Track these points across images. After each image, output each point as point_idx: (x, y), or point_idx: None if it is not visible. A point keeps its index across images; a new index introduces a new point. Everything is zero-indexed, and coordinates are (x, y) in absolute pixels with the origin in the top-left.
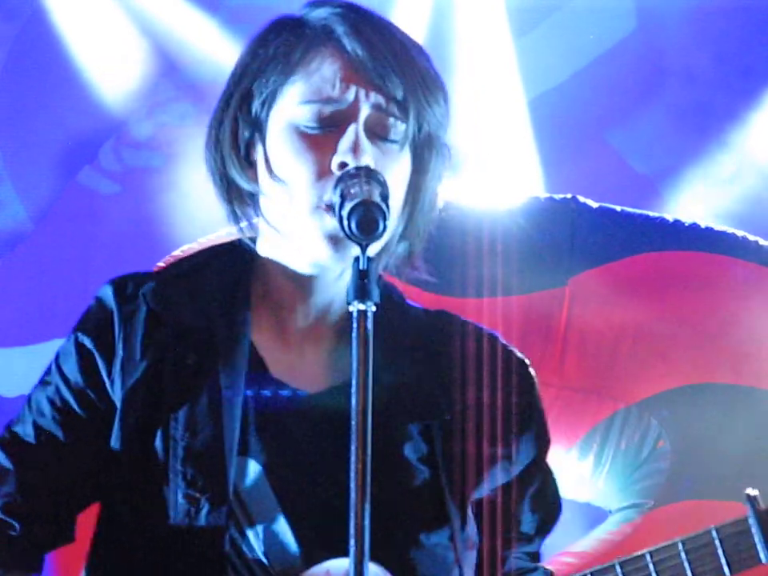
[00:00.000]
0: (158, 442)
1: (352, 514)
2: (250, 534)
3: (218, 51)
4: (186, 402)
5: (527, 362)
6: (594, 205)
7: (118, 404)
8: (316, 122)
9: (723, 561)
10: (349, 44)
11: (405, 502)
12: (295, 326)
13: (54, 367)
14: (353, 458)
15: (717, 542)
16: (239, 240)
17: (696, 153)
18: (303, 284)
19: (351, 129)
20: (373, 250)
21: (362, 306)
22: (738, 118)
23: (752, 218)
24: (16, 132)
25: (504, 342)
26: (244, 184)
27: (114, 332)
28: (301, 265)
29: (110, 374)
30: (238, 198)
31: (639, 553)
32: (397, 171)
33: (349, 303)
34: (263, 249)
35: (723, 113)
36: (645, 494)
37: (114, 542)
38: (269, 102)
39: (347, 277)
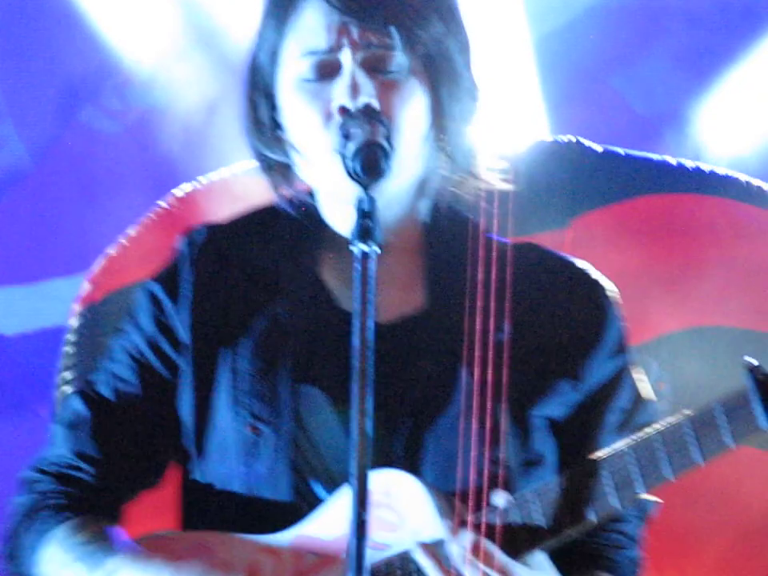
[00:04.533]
0: (224, 376)
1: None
2: (315, 460)
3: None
4: (249, 336)
5: (601, 282)
6: (598, 148)
7: (189, 344)
8: (314, 73)
9: (728, 433)
10: None
11: (462, 419)
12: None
13: (127, 316)
14: (354, 398)
15: (721, 414)
16: (281, 203)
17: (698, 95)
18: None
19: (346, 71)
20: (378, 190)
21: (365, 248)
22: (740, 59)
23: (755, 163)
24: (17, 69)
25: (579, 266)
26: (273, 155)
27: (181, 275)
28: (349, 209)
29: (178, 314)
30: (275, 168)
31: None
32: (406, 101)
33: (351, 243)
34: (319, 201)
35: (725, 55)
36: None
37: (194, 494)
38: (273, 65)
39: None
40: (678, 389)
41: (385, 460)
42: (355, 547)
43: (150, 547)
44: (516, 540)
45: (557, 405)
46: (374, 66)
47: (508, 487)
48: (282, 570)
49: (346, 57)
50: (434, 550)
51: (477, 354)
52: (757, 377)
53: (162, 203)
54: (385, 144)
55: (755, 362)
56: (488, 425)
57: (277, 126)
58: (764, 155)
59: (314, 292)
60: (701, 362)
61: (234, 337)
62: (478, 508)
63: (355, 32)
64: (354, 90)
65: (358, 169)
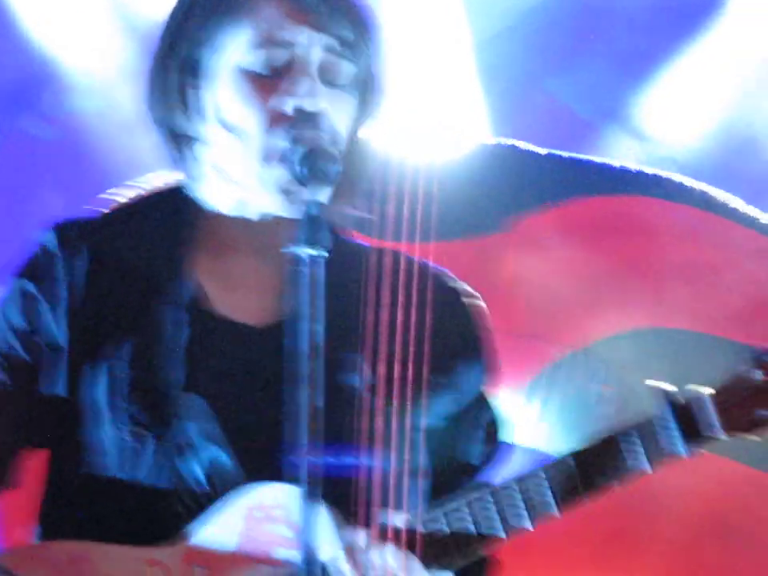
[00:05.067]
0: (101, 382)
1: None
2: (196, 466)
3: None
4: (128, 340)
5: (475, 295)
6: (539, 150)
7: (63, 345)
8: (267, 66)
9: (644, 458)
10: None
11: (346, 427)
12: (241, 265)
13: None
14: (303, 398)
15: (638, 440)
16: (181, 184)
17: (637, 96)
18: (250, 228)
19: (306, 72)
20: (324, 195)
21: (312, 252)
22: (675, 61)
23: (695, 165)
24: None
25: (450, 276)
26: (187, 129)
27: (58, 276)
28: (248, 211)
29: (55, 317)
30: (181, 142)
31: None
32: (344, 115)
33: (298, 248)
34: (207, 193)
35: (661, 57)
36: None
37: (62, 491)
38: (215, 47)
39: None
40: (623, 391)
41: (273, 473)
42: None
43: (21, 559)
44: (426, 555)
45: (435, 417)
46: (327, 72)
47: (390, 501)
48: None
49: (306, 57)
50: (356, 558)
51: (360, 362)
52: (674, 404)
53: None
54: (334, 152)
55: (667, 387)
56: (369, 435)
57: (185, 101)
58: (704, 155)
59: (191, 295)
60: (646, 363)
61: (112, 341)
62: (368, 521)
63: (322, 35)
64: (314, 93)
65: (306, 173)
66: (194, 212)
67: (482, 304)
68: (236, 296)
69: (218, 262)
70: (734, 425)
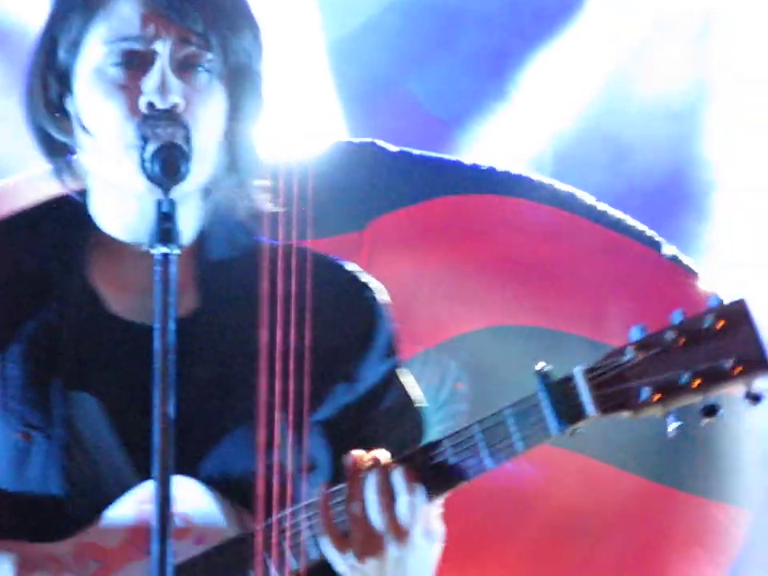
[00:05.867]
0: None
1: (155, 454)
2: (87, 466)
3: None
4: (19, 341)
5: (371, 285)
6: (393, 149)
7: None
8: (120, 62)
9: (517, 437)
10: None
11: (238, 424)
12: (132, 266)
13: None
14: (156, 401)
15: (510, 419)
16: (69, 193)
17: (491, 97)
18: (135, 229)
19: (157, 67)
20: (183, 190)
21: (164, 249)
22: (532, 61)
23: (549, 162)
24: None
25: (349, 269)
26: (60, 137)
27: None
28: (129, 210)
29: None
30: (57, 151)
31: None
32: (209, 105)
33: (150, 246)
34: (93, 200)
35: (517, 57)
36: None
37: None
38: (73, 49)
39: (181, 216)
40: (476, 389)
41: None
42: (158, 550)
43: None
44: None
45: (331, 408)
46: (184, 66)
47: (286, 494)
48: None
49: (159, 51)
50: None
51: (259, 360)
52: (547, 381)
53: None
54: (184, 146)
55: (545, 366)
56: (265, 431)
57: (62, 109)
58: (558, 154)
59: (84, 296)
60: (499, 361)
61: (2, 342)
62: (266, 514)
63: (172, 28)
64: (164, 87)
65: (157, 170)
66: (84, 218)
67: (383, 294)
68: (129, 296)
69: (110, 264)
70: (606, 401)
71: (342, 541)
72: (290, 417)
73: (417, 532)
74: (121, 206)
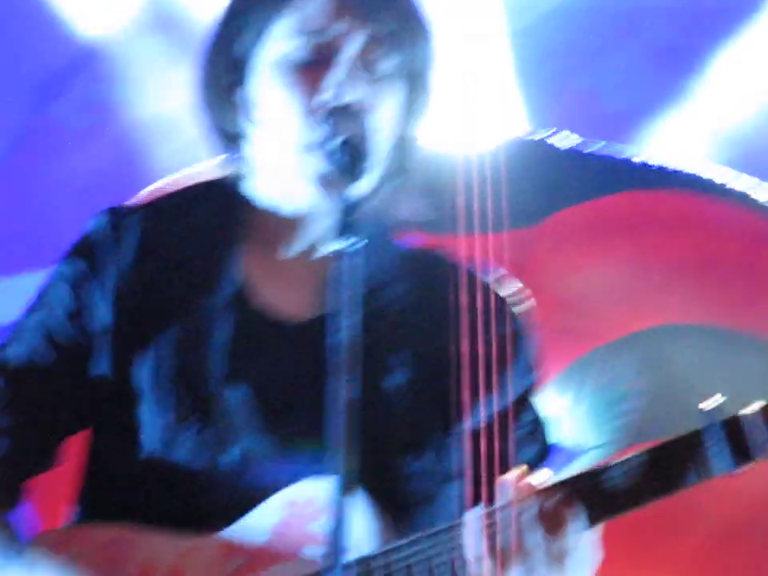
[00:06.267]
0: (146, 366)
1: (339, 449)
2: (237, 458)
3: None
4: (173, 326)
5: (522, 297)
6: (573, 143)
7: (110, 327)
8: (306, 54)
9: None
10: None
11: (384, 430)
12: (284, 259)
13: (46, 291)
14: (342, 393)
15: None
16: (228, 176)
17: (674, 91)
18: (292, 220)
19: (342, 61)
20: (361, 187)
21: (347, 244)
22: (714, 56)
23: (728, 160)
24: None
25: (498, 281)
26: (230, 127)
27: (107, 257)
28: (290, 202)
29: (102, 296)
30: (231, 141)
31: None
32: (388, 106)
33: (333, 241)
34: (254, 186)
35: (699, 52)
36: (620, 433)
37: (103, 472)
38: (255, 40)
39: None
40: (655, 385)
41: (314, 468)
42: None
43: (62, 539)
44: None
45: (478, 418)
46: (367, 62)
47: (428, 499)
48: (207, 573)
49: (346, 46)
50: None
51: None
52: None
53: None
54: (368, 144)
55: (715, 402)
56: (411, 433)
57: (232, 100)
58: (737, 151)
59: (238, 286)
60: (679, 359)
61: (157, 327)
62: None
63: (364, 25)
64: (349, 83)
65: (342, 164)
66: (243, 206)
67: (530, 304)
68: (282, 290)
69: (265, 256)
70: None
71: (499, 560)
72: (437, 419)
73: (573, 558)
74: (286, 195)
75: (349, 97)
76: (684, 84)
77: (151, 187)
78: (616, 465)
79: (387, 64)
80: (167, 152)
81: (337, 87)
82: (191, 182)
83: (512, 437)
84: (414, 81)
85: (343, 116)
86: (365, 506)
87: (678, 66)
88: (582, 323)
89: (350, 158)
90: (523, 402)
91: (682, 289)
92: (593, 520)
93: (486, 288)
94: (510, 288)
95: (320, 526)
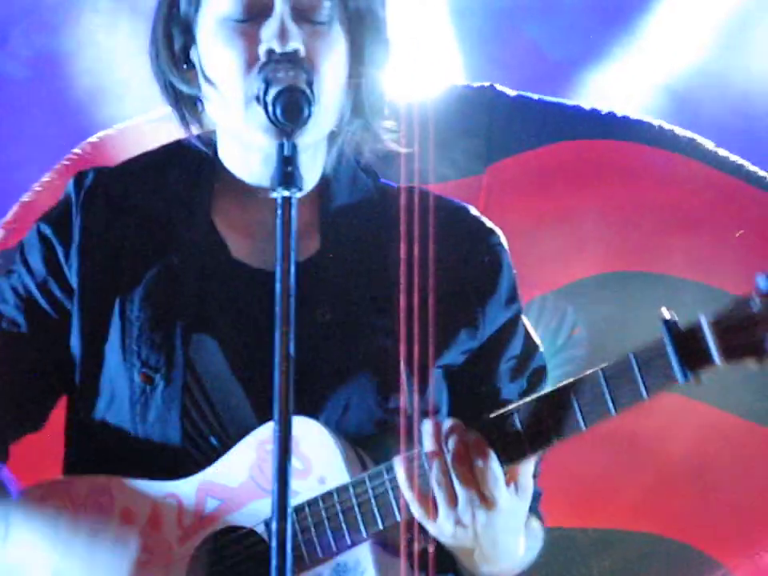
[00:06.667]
0: (114, 323)
1: (276, 395)
2: (206, 408)
3: None
4: (141, 283)
5: (496, 230)
6: (512, 93)
7: (76, 288)
8: (242, 11)
9: (641, 385)
10: None
11: (359, 367)
12: (256, 212)
13: (18, 257)
14: (276, 343)
15: (635, 366)
16: (190, 138)
17: (612, 42)
18: (260, 176)
19: (276, 14)
20: (310, 134)
21: (285, 193)
22: (653, 6)
23: (669, 109)
24: None
25: (473, 213)
26: (185, 88)
27: (72, 219)
28: (253, 157)
29: (67, 259)
30: (183, 102)
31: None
32: (330, 50)
33: (272, 190)
34: (220, 146)
35: (638, 2)
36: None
37: (80, 433)
38: (195, 1)
39: (306, 163)
40: (593, 334)
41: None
42: (277, 491)
43: (47, 493)
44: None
45: (455, 353)
46: (304, 12)
47: (408, 437)
48: (184, 516)
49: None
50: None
51: (380, 303)
52: (673, 330)
53: (76, 150)
54: (307, 90)
55: (670, 315)
56: (388, 374)
57: (188, 60)
58: (677, 99)
59: (208, 240)
60: (616, 307)
61: (124, 284)
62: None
63: None
64: (283, 33)
65: (279, 113)
66: (211, 162)
67: (503, 239)
68: (251, 241)
69: (234, 209)
70: (731, 351)
71: (427, 504)
72: (415, 360)
73: (503, 495)
74: (245, 154)
75: (287, 46)
76: (623, 34)
77: (101, 134)
78: (519, 406)
79: (323, 11)
80: (114, 101)
81: (274, 38)
82: (155, 144)
83: (496, 370)
84: (359, 24)
85: (283, 65)
86: (328, 437)
87: (617, 16)
88: (521, 272)
89: (287, 107)
90: (509, 334)
91: (617, 237)
92: (505, 462)
93: (467, 219)
94: (489, 222)
95: (296, 460)
